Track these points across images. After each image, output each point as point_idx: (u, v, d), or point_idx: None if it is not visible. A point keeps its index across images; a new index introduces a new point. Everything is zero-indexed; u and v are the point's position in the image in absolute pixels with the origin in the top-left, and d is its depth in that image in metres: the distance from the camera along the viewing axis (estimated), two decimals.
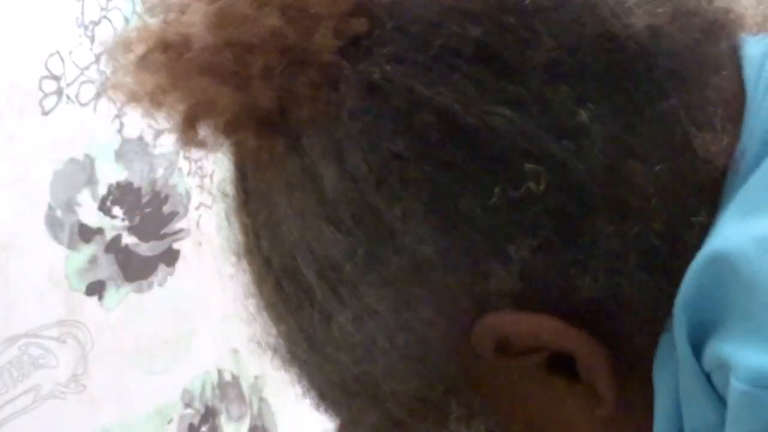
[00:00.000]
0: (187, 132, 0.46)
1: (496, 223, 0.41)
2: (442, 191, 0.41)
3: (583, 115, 0.40)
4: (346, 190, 0.42)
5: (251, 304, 0.50)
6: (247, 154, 0.46)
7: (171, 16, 0.44)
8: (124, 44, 0.45)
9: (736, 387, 0.37)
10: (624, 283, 0.41)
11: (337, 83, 0.42)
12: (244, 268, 0.49)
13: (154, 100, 0.45)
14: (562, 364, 0.43)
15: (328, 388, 0.48)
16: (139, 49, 0.44)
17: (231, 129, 0.44)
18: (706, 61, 0.43)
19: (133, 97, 0.46)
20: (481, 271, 0.41)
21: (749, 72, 0.44)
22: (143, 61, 0.44)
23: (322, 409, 0.50)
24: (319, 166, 0.42)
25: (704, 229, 0.41)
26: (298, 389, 0.51)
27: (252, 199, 0.46)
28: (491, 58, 0.41)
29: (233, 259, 0.49)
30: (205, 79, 0.43)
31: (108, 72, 0.47)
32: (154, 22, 0.45)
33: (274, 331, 0.49)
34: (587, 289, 0.41)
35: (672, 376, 0.41)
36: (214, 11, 0.42)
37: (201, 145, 0.46)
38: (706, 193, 0.41)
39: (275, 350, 0.50)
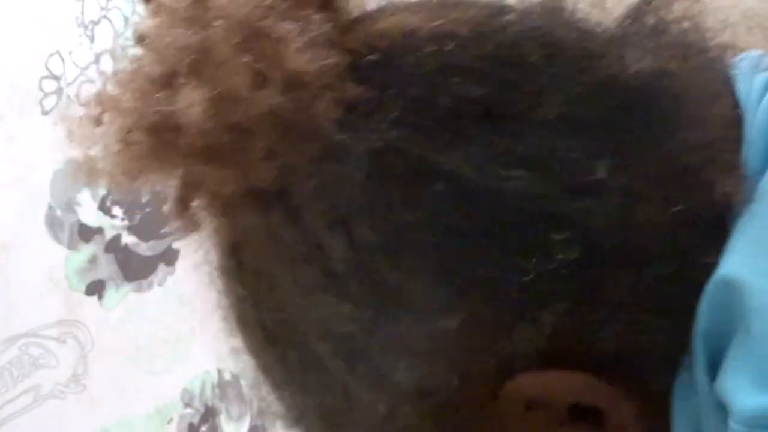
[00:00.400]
0: (181, 213, 0.44)
1: (520, 290, 0.39)
2: (460, 261, 0.39)
3: (601, 170, 0.38)
4: (356, 264, 0.40)
5: (250, 374, 0.48)
6: (244, 231, 0.44)
7: (150, 97, 0.42)
8: (92, 116, 0.43)
9: (732, 428, 0.36)
10: (645, 330, 0.40)
11: (341, 155, 0.40)
12: (240, 344, 0.47)
13: (137, 180, 0.42)
14: (583, 412, 0.42)
15: None
16: (114, 125, 0.42)
17: (229, 209, 0.43)
18: (708, 93, 0.41)
19: (114, 179, 0.42)
20: (506, 335, 0.40)
21: (742, 89, 0.43)
22: (125, 142, 0.42)
23: None
24: (324, 241, 0.41)
25: (715, 264, 0.39)
26: None
27: (251, 277, 0.44)
28: (498, 118, 0.39)
29: (228, 334, 0.47)
30: (201, 165, 0.41)
31: (73, 150, 0.44)
32: (115, 93, 0.43)
33: (275, 397, 0.47)
34: (611, 341, 0.40)
35: (693, 408, 0.40)
36: (212, 98, 0.40)
37: (196, 226, 0.44)
38: (718, 227, 0.40)
39: (283, 417, 0.48)
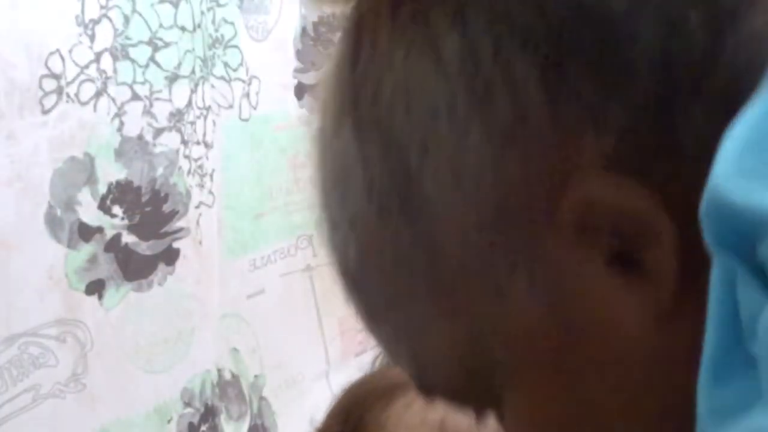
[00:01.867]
0: None
1: (600, 90, 0.43)
2: (557, 57, 0.43)
3: (693, 20, 0.43)
4: (462, 53, 0.44)
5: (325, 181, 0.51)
6: (372, 16, 0.47)
7: None
8: None
9: None
10: (702, 169, 0.42)
11: None
12: (328, 139, 0.50)
13: None
14: (619, 263, 0.43)
15: (394, 261, 0.49)
16: None
17: None
18: None
19: None
20: (580, 136, 0.43)
21: None
22: None
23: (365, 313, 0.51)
24: (442, 33, 0.45)
25: None
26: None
27: (364, 63, 0.48)
28: None
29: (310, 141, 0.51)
30: None
31: None
32: None
33: (336, 192, 0.50)
34: (672, 171, 0.43)
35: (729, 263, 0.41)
36: None
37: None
38: None
39: (338, 210, 0.51)
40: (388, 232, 0.48)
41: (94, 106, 1.13)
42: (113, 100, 1.15)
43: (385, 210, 0.48)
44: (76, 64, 1.10)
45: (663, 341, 0.44)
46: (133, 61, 1.17)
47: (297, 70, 1.46)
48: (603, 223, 0.43)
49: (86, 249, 1.14)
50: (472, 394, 0.50)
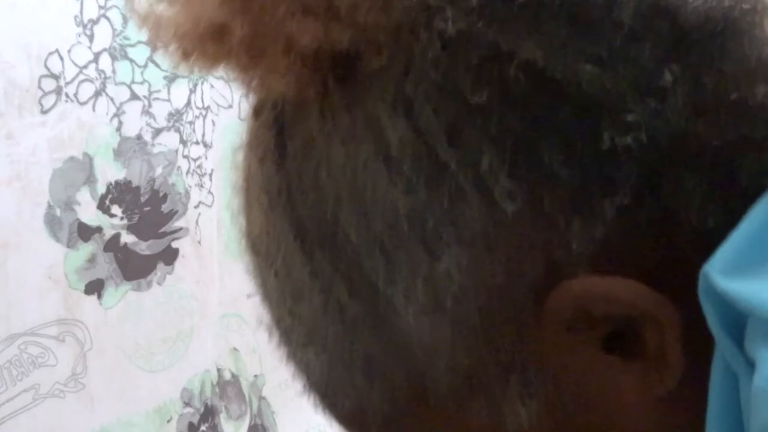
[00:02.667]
0: (249, 62, 0.42)
1: (581, 178, 0.39)
2: (525, 146, 0.39)
3: (668, 76, 0.39)
4: (414, 146, 0.40)
5: (267, 280, 0.46)
6: (301, 103, 0.42)
7: None
8: None
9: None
10: (697, 250, 0.40)
11: (418, 33, 0.40)
12: (261, 248, 0.46)
13: (208, 38, 0.41)
14: (615, 344, 0.41)
15: (348, 373, 0.44)
16: None
17: (298, 69, 0.41)
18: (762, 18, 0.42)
19: (177, 37, 0.41)
20: (562, 232, 0.40)
21: None
22: None
23: (323, 403, 0.47)
24: (383, 121, 0.40)
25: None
26: (299, 387, 0.49)
27: (292, 156, 0.43)
28: (575, 16, 0.40)
29: (242, 225, 0.46)
30: (290, 9, 0.40)
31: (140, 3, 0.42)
32: None
33: (288, 309, 0.46)
34: (664, 251, 0.40)
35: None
36: None
37: (257, 89, 0.42)
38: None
39: (288, 334, 0.46)
40: (359, 359, 0.44)
41: (93, 106, 1.13)
42: (112, 100, 1.15)
43: (353, 334, 0.43)
44: (75, 64, 1.10)
45: (666, 419, 0.43)
46: (131, 61, 1.17)
47: None
48: (596, 316, 0.41)
49: (85, 249, 1.14)
50: None
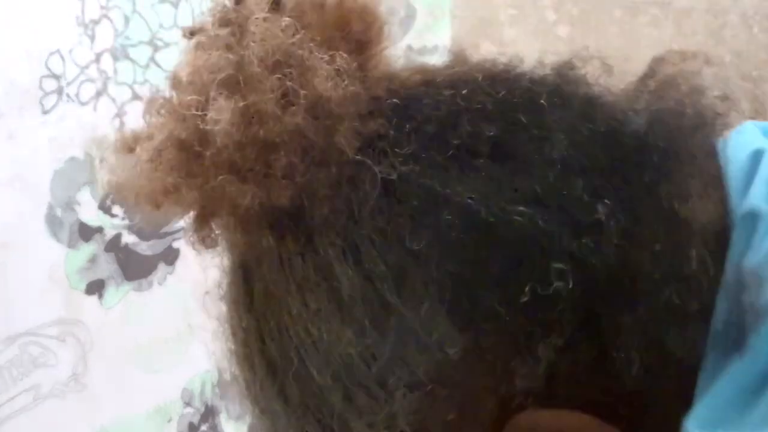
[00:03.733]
0: (202, 230, 0.45)
1: (520, 322, 0.40)
2: (464, 289, 0.40)
3: (600, 211, 0.40)
4: (363, 290, 0.41)
5: (245, 412, 0.49)
6: (256, 254, 0.45)
7: (182, 114, 0.43)
8: (125, 143, 0.44)
9: None
10: (643, 372, 0.40)
11: (356, 183, 0.42)
12: (240, 377, 0.47)
13: (165, 198, 0.43)
14: None
15: None
16: (147, 147, 0.43)
17: (247, 226, 0.44)
18: (693, 146, 0.43)
19: (140, 198, 0.44)
20: (507, 371, 0.40)
21: (729, 156, 0.44)
22: (155, 161, 0.43)
23: None
24: (333, 267, 0.42)
25: (710, 301, 0.40)
26: None
27: (258, 300, 0.45)
28: (507, 156, 0.41)
29: (224, 363, 0.48)
30: (226, 177, 0.42)
31: (104, 173, 0.46)
32: (157, 120, 0.45)
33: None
34: (606, 385, 0.41)
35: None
36: (241, 109, 0.41)
37: (213, 244, 0.46)
38: (710, 255, 0.41)
39: None
40: None
41: (95, 106, 1.13)
42: (113, 100, 1.15)
43: None
44: (77, 65, 1.10)
45: None
46: (133, 61, 1.17)
47: None
48: None
49: (86, 249, 1.14)
50: None
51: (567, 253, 0.40)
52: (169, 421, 1.27)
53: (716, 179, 0.43)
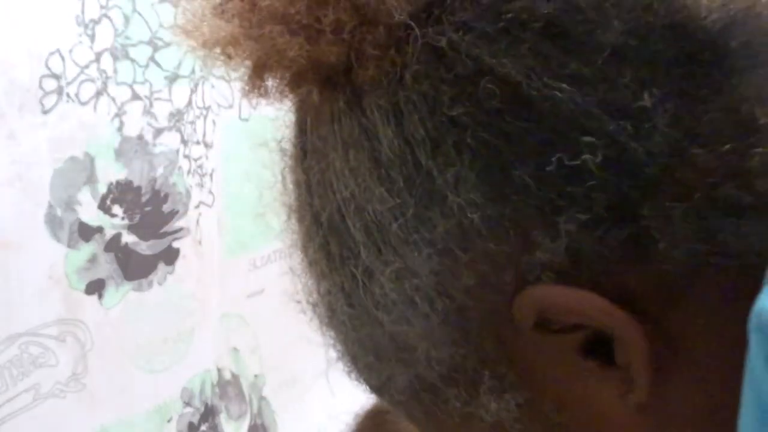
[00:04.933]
0: (254, 81, 0.46)
1: (547, 194, 0.41)
2: (497, 159, 0.41)
3: (647, 99, 0.40)
4: (401, 152, 0.43)
5: (297, 262, 0.51)
6: (309, 110, 0.46)
7: None
8: None
9: None
10: (676, 267, 0.40)
11: (404, 46, 0.43)
12: (293, 228, 0.50)
13: (225, 48, 0.45)
14: (597, 347, 0.42)
15: (362, 351, 0.48)
16: None
17: (297, 82, 0.45)
18: None
19: (205, 44, 0.46)
20: (528, 242, 0.41)
21: None
22: (219, 9, 0.45)
23: (353, 375, 0.51)
24: (377, 127, 0.43)
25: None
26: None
27: (309, 155, 0.47)
28: (558, 35, 0.41)
29: (283, 216, 0.50)
30: (277, 29, 0.43)
31: (179, 17, 0.48)
32: None
33: (316, 289, 0.50)
34: (637, 270, 0.41)
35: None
36: None
37: (264, 95, 0.46)
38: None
39: (315, 309, 0.50)
40: (363, 341, 0.48)
41: (94, 106, 1.13)
42: (113, 100, 1.15)
43: (358, 316, 0.47)
44: (77, 64, 1.10)
45: (650, 426, 0.43)
46: (133, 61, 1.17)
47: None
48: (562, 325, 0.42)
49: (86, 249, 1.14)
50: None
51: (603, 133, 0.40)
52: (169, 420, 1.27)
53: None
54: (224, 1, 0.45)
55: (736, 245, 0.40)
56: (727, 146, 0.40)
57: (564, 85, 0.40)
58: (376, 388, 0.51)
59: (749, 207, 0.40)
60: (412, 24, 0.42)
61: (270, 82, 0.46)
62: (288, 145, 0.50)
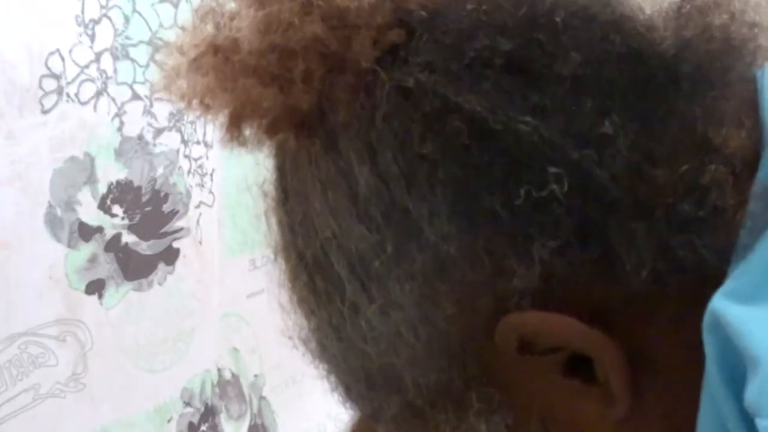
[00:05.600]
0: (232, 131, 0.48)
1: (517, 223, 0.42)
2: (468, 192, 0.43)
3: (607, 126, 0.42)
4: (377, 189, 0.44)
5: (286, 301, 0.53)
6: (287, 155, 0.48)
7: (222, 23, 0.47)
8: (177, 48, 0.48)
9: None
10: (642, 285, 0.42)
11: (373, 89, 0.45)
12: (280, 266, 0.52)
13: (203, 101, 0.48)
14: (578, 366, 0.44)
15: (354, 382, 0.50)
16: (191, 53, 0.48)
17: (273, 129, 0.47)
18: (725, 70, 0.44)
19: (183, 98, 0.48)
20: (503, 271, 0.43)
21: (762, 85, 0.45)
22: (195, 64, 0.47)
23: (348, 404, 0.53)
24: (353, 167, 0.45)
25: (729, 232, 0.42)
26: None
27: (290, 197, 0.49)
28: (519, 70, 0.43)
29: (270, 256, 0.52)
30: (250, 81, 0.45)
31: (159, 75, 0.51)
32: (203, 28, 0.49)
33: (306, 325, 0.51)
34: (607, 290, 0.42)
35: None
36: (262, 17, 0.45)
37: (243, 144, 0.48)
38: (737, 188, 0.42)
39: (306, 344, 0.53)
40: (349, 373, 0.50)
41: (95, 106, 1.13)
42: (113, 99, 1.15)
43: (347, 348, 0.49)
44: (77, 64, 1.10)
45: None
46: (133, 60, 1.17)
47: None
48: (541, 347, 0.44)
49: (86, 249, 1.14)
50: None
51: (568, 161, 0.42)
52: (169, 420, 1.27)
53: (751, 106, 0.44)
54: (199, 56, 0.47)
55: (692, 260, 0.42)
56: (685, 166, 0.42)
57: (528, 118, 0.42)
58: (369, 416, 0.53)
59: (702, 221, 0.42)
60: (378, 69, 0.44)
61: (247, 131, 0.48)
62: (269, 188, 0.51)
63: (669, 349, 0.43)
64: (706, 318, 0.39)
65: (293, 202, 0.49)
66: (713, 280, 0.41)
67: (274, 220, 0.51)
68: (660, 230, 0.42)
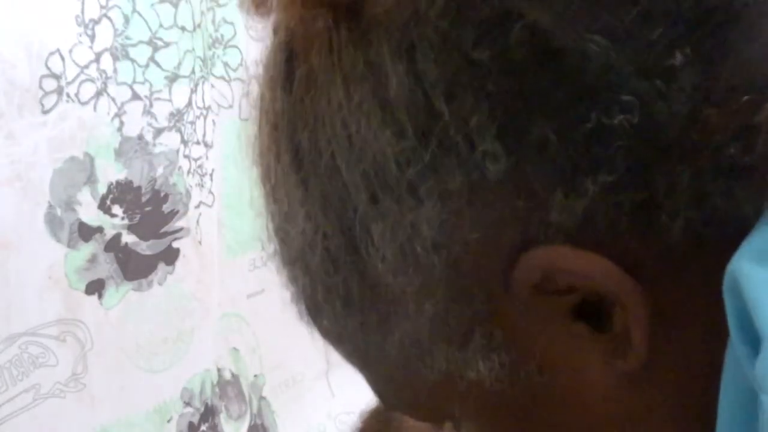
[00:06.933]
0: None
1: (571, 153, 0.39)
2: (519, 111, 0.39)
3: (678, 59, 0.38)
4: (411, 92, 0.40)
5: (264, 194, 0.47)
6: (308, 35, 0.43)
7: None
8: None
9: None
10: (678, 236, 0.40)
11: None
12: (259, 158, 0.46)
13: None
14: (587, 311, 0.42)
15: (328, 296, 0.46)
16: None
17: (304, 6, 0.42)
18: None
19: None
20: (543, 201, 0.39)
21: None
22: None
23: (309, 316, 0.50)
24: (385, 64, 0.40)
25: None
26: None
27: (298, 84, 0.43)
28: None
29: (248, 144, 0.47)
30: None
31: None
32: None
33: (280, 227, 0.47)
34: (643, 238, 0.40)
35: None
36: None
37: (266, 12, 0.43)
38: None
39: (279, 248, 0.48)
40: (338, 287, 0.45)
41: (94, 106, 1.13)
42: (113, 100, 1.15)
43: (333, 264, 0.44)
44: (76, 64, 1.10)
45: (635, 400, 0.43)
46: (133, 61, 1.17)
47: None
48: (563, 288, 0.41)
49: (86, 249, 1.14)
50: (430, 416, 0.49)
51: (634, 91, 0.38)
52: (169, 420, 1.27)
53: None
54: None
55: (730, 212, 0.39)
56: (738, 104, 0.38)
57: (598, 38, 0.38)
58: (327, 332, 0.49)
59: (746, 168, 0.39)
60: None
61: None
62: (270, 71, 0.46)
63: (695, 308, 0.41)
64: (726, 280, 0.37)
65: (301, 90, 0.43)
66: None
67: (266, 107, 0.45)
68: (703, 177, 0.39)
